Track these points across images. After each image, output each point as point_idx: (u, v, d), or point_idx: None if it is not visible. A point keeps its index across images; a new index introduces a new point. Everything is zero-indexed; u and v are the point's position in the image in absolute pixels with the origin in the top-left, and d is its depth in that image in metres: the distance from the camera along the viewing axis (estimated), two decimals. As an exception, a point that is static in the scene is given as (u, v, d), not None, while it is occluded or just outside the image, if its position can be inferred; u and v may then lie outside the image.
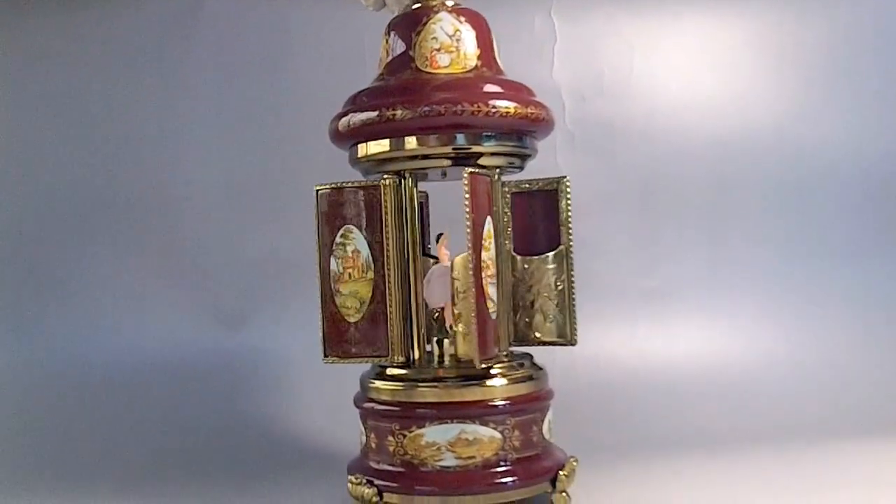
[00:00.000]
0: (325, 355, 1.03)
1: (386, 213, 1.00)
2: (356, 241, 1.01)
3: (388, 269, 1.01)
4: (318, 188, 1.01)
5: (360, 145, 1.03)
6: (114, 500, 1.14)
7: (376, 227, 1.01)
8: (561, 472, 1.01)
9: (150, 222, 1.57)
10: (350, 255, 1.01)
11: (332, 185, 1.02)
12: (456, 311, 1.03)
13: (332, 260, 1.01)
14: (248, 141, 1.57)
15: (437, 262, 1.08)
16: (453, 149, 0.99)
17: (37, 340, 1.53)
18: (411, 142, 0.99)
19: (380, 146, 1.01)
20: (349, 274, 1.01)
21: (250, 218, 1.56)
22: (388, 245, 1.00)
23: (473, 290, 0.94)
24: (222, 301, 1.55)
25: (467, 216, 0.95)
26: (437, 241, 1.09)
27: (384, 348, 1.01)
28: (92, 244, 1.56)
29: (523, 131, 1.02)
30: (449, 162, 1.01)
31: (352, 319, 1.01)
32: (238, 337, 1.52)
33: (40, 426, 1.41)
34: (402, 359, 1.01)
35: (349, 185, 1.02)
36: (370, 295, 1.01)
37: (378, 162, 1.02)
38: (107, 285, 1.55)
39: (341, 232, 1.01)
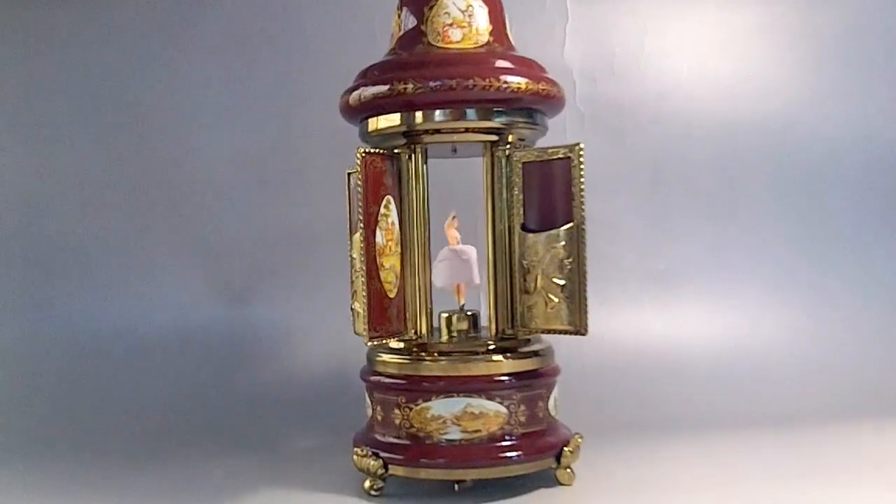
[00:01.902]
0: (371, 338, 0.96)
1: (411, 184, 1.01)
2: (393, 213, 1.00)
3: (413, 243, 1.01)
4: (361, 152, 0.95)
5: (370, 119, 1.03)
6: (120, 468, 1.15)
7: (404, 198, 1.01)
8: (566, 449, 1.02)
9: (158, 196, 1.57)
10: (390, 226, 0.99)
11: (376, 151, 0.98)
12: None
13: (378, 232, 0.97)
14: (258, 116, 1.57)
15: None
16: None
17: (46, 312, 1.54)
18: (422, 116, 0.99)
19: (390, 120, 1.01)
20: (390, 247, 0.99)
21: (259, 192, 1.56)
22: (411, 217, 1.01)
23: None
24: (230, 274, 1.55)
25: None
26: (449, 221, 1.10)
27: (410, 324, 1.01)
28: (101, 217, 1.57)
29: (534, 107, 1.02)
30: (459, 137, 1.01)
31: (391, 295, 0.99)
32: (245, 310, 1.53)
33: (49, 395, 1.42)
34: (415, 334, 1.02)
35: (387, 152, 1.00)
36: (401, 269, 1.01)
37: (388, 136, 1.02)
38: (115, 258, 1.56)
39: (384, 202, 0.98)
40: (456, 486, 0.99)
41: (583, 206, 0.97)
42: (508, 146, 1.02)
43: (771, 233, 1.59)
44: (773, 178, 1.60)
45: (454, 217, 1.09)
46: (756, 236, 1.59)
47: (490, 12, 1.03)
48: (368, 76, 1.02)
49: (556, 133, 1.11)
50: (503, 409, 0.99)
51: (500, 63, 0.99)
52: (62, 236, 1.57)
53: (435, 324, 1.06)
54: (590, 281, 0.97)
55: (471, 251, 1.09)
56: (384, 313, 0.98)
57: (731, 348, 1.50)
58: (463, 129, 1.00)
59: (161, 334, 1.51)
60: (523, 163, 1.01)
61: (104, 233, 1.56)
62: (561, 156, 0.98)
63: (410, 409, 0.99)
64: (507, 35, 1.05)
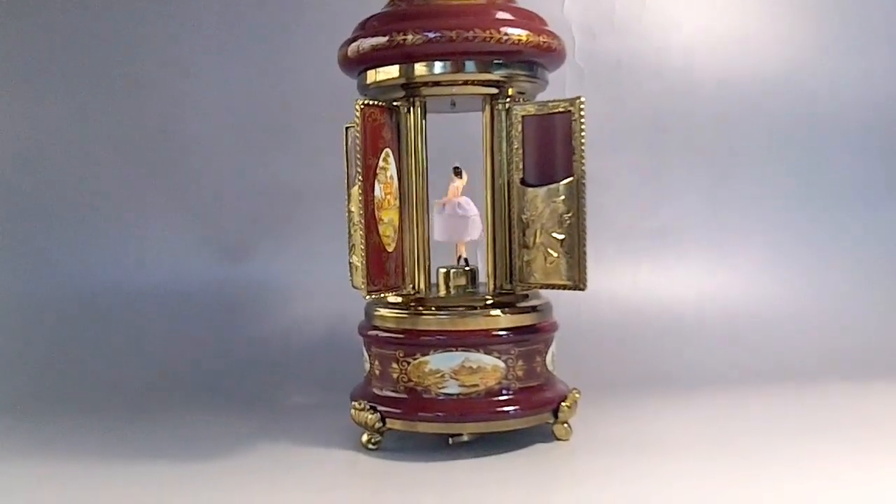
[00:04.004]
0: (370, 292, 0.96)
1: (409, 137, 1.00)
2: (392, 166, 0.99)
3: (412, 197, 1.00)
4: (360, 103, 0.95)
5: (369, 72, 1.01)
6: (115, 424, 1.15)
7: (403, 152, 1.00)
8: (563, 404, 1.02)
9: (154, 150, 1.55)
10: (389, 180, 0.98)
11: (375, 103, 0.97)
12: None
13: (377, 185, 0.97)
14: (254, 71, 1.55)
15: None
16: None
17: (41, 267, 1.53)
18: (421, 68, 0.98)
19: (388, 73, 1.00)
20: (388, 201, 0.98)
21: (255, 148, 1.54)
22: (409, 171, 1.00)
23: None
24: (226, 231, 1.54)
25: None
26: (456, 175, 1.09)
27: (408, 279, 1.01)
28: (96, 172, 1.55)
29: (534, 60, 1.01)
30: (458, 89, 1.00)
31: (390, 249, 0.99)
32: (242, 265, 1.52)
33: (43, 351, 1.42)
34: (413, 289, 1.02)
35: (386, 104, 0.99)
36: (399, 223, 1.00)
37: (387, 89, 1.01)
38: (111, 214, 1.54)
39: (382, 155, 0.98)
40: (450, 440, 1.00)
41: (583, 161, 0.96)
42: (508, 100, 1.01)
43: (770, 189, 1.58)
44: (773, 135, 1.59)
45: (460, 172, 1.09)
46: (755, 193, 1.58)
47: (491, -36, 1.02)
48: (367, 28, 1.01)
49: (555, 90, 1.10)
50: (501, 364, 0.99)
51: (501, 15, 0.98)
52: (57, 191, 1.55)
53: (433, 278, 1.06)
54: (588, 237, 0.97)
55: (458, 209, 1.08)
56: (382, 267, 0.98)
57: (728, 305, 1.50)
58: (462, 82, 1.00)
59: (157, 290, 1.50)
60: (523, 116, 0.99)
61: (99, 187, 1.55)
62: (561, 109, 0.97)
63: (408, 363, 0.99)
64: (508, -13, 1.04)
